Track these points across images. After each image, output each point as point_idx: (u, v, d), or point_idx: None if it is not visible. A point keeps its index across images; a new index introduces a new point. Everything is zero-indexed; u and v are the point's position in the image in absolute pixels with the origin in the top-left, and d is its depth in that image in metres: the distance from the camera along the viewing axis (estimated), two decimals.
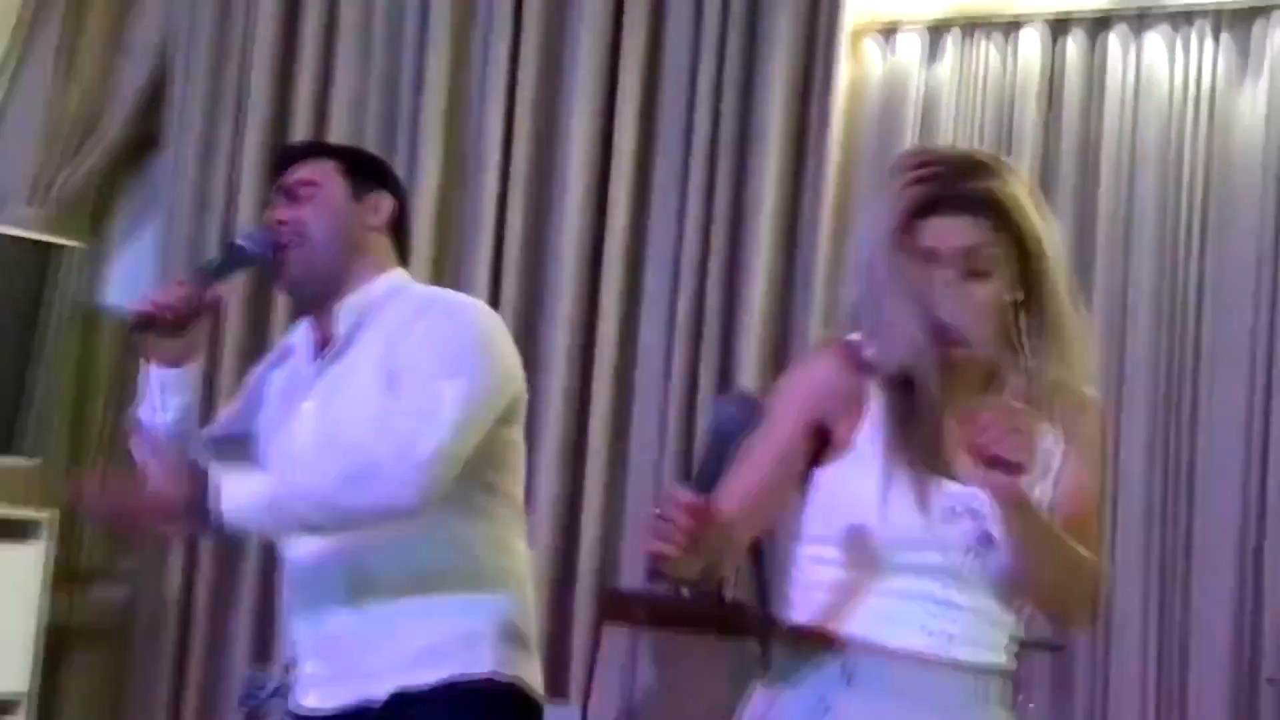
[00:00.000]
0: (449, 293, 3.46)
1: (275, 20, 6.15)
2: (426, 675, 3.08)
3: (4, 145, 6.14)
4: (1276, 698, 4.96)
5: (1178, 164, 5.23)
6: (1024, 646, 5.00)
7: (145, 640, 6.07)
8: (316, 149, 3.63)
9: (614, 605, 4.74)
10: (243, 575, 6.01)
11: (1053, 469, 2.60)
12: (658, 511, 2.37)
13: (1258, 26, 5.18)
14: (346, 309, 3.23)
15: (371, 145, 5.88)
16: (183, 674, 6.01)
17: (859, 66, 5.63)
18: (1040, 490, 2.58)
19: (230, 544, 5.98)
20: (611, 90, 5.80)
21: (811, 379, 2.78)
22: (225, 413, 3.45)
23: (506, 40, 5.85)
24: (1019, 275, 2.58)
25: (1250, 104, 5.19)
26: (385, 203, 3.31)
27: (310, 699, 3.21)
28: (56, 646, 5.81)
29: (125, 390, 5.90)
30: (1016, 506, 2.45)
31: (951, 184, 2.59)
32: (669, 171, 5.75)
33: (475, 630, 3.12)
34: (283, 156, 3.51)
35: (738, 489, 2.62)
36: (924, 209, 2.57)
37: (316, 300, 3.27)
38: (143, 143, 6.37)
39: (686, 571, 2.45)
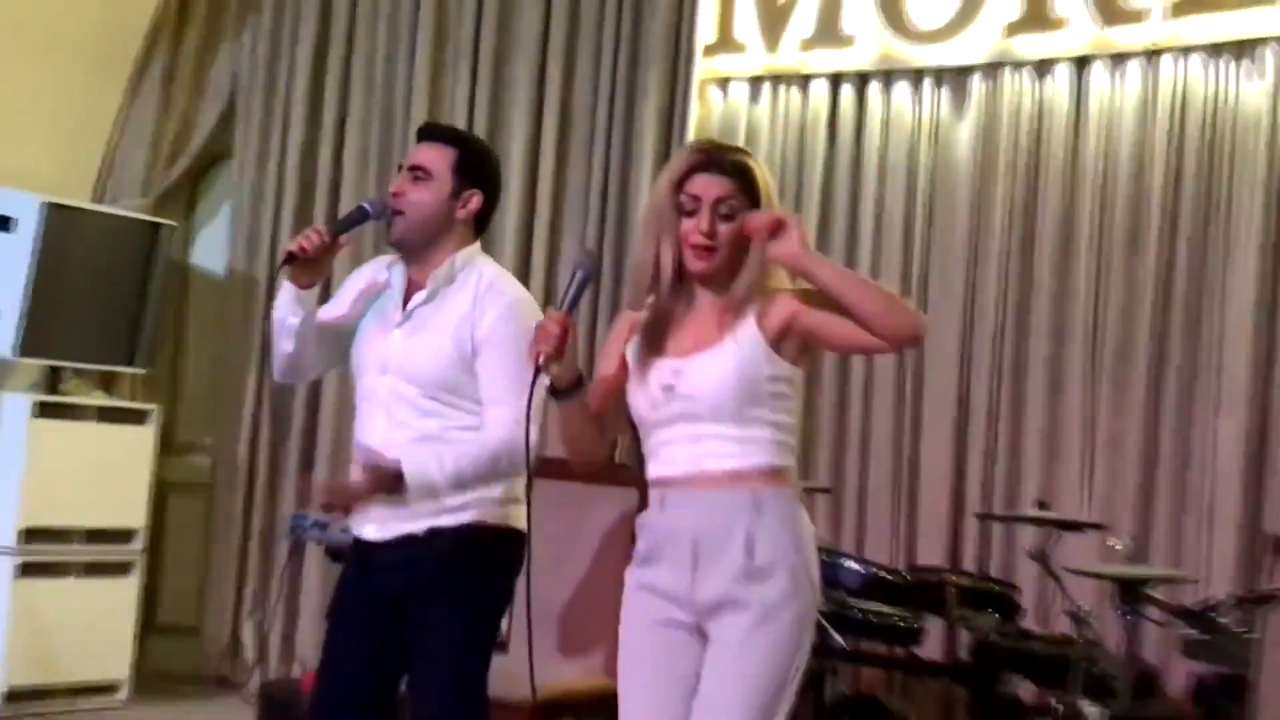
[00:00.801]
0: (509, 281, 3.30)
1: (306, 74, 6.16)
2: (454, 520, 3.13)
3: (122, 155, 6.16)
4: (977, 528, 5.03)
5: (916, 176, 5.31)
6: (805, 491, 5.12)
7: (221, 492, 6.16)
8: (446, 136, 3.33)
9: (547, 466, 4.84)
10: (289, 447, 6.06)
11: (754, 354, 2.64)
12: (538, 321, 2.63)
13: (968, 81, 5.23)
14: (435, 276, 3.18)
15: (373, 156, 5.99)
16: (249, 515, 6.09)
17: (705, 107, 5.63)
18: (739, 362, 2.64)
19: (280, 422, 6.09)
20: (538, 122, 5.80)
21: (620, 324, 2.86)
22: (326, 308, 3.36)
23: (466, 86, 5.88)
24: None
25: (963, 135, 5.24)
26: (475, 199, 3.21)
27: (368, 531, 3.21)
28: (161, 496, 5.86)
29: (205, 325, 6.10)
30: (797, 254, 2.56)
31: (714, 154, 2.71)
32: (578, 181, 5.78)
33: (489, 495, 3.15)
34: (422, 131, 3.39)
35: (595, 390, 2.81)
36: (694, 169, 2.68)
37: (410, 254, 3.23)
38: (218, 154, 6.39)
39: (560, 372, 2.62)
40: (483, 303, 3.15)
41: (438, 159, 3.20)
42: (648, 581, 2.71)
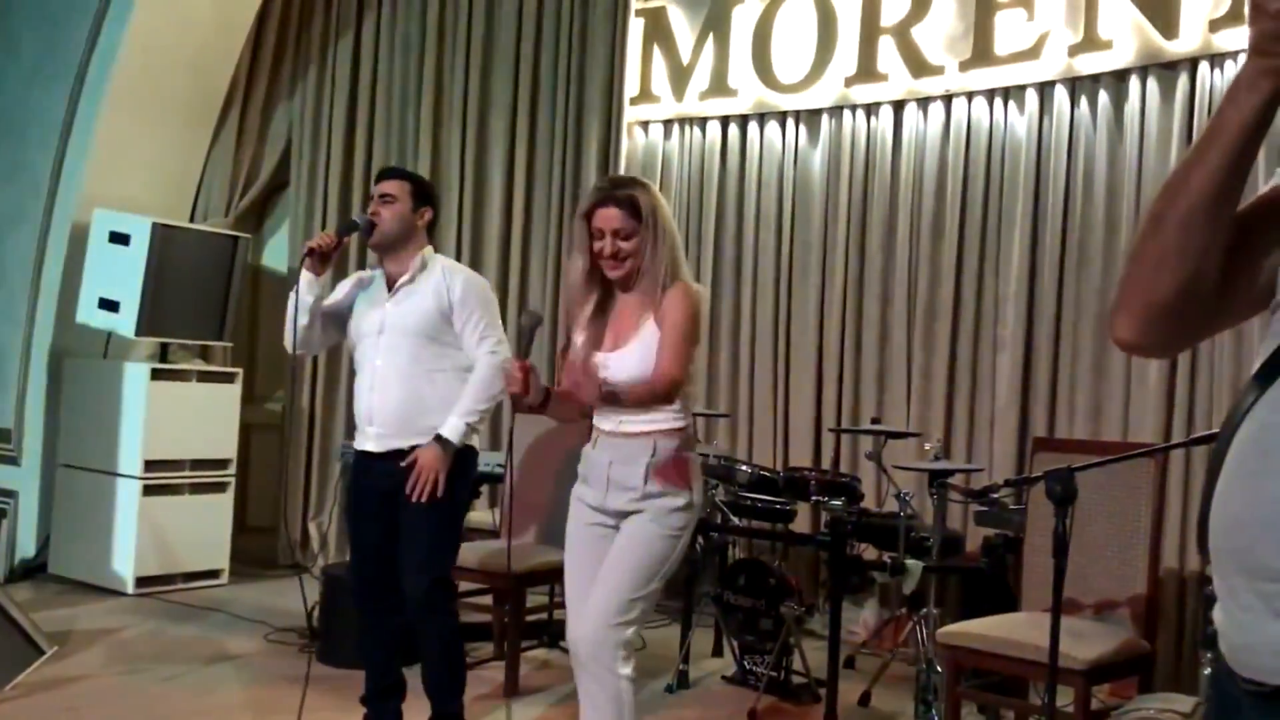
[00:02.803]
0: (458, 265, 3.36)
1: (342, 125, 6.06)
2: (427, 440, 3.17)
3: (209, 186, 6.04)
4: (832, 439, 4.95)
5: (783, 189, 5.23)
6: (710, 416, 5.04)
7: (290, 429, 6.05)
8: (403, 174, 3.37)
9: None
10: (338, 397, 5.94)
11: (651, 345, 2.60)
12: (506, 366, 2.59)
13: (819, 120, 5.15)
14: (413, 265, 3.23)
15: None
16: (310, 445, 6.04)
17: (631, 143, 5.61)
18: (642, 354, 2.60)
19: (329, 379, 5.92)
20: (511, 156, 5.71)
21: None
22: (330, 298, 3.34)
23: (459, 131, 5.79)
24: (647, 236, 2.61)
25: (816, 159, 5.17)
26: (428, 213, 3.29)
27: (369, 445, 3.25)
28: (246, 434, 5.77)
29: (272, 309, 5.94)
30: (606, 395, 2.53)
31: (609, 192, 2.64)
32: (541, 197, 5.69)
33: (454, 425, 3.18)
34: (384, 172, 3.40)
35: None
36: (597, 204, 2.63)
37: (386, 253, 3.27)
38: (279, 184, 6.27)
39: (530, 400, 2.53)
40: (449, 277, 3.25)
41: (399, 188, 3.27)
42: (579, 494, 2.74)
